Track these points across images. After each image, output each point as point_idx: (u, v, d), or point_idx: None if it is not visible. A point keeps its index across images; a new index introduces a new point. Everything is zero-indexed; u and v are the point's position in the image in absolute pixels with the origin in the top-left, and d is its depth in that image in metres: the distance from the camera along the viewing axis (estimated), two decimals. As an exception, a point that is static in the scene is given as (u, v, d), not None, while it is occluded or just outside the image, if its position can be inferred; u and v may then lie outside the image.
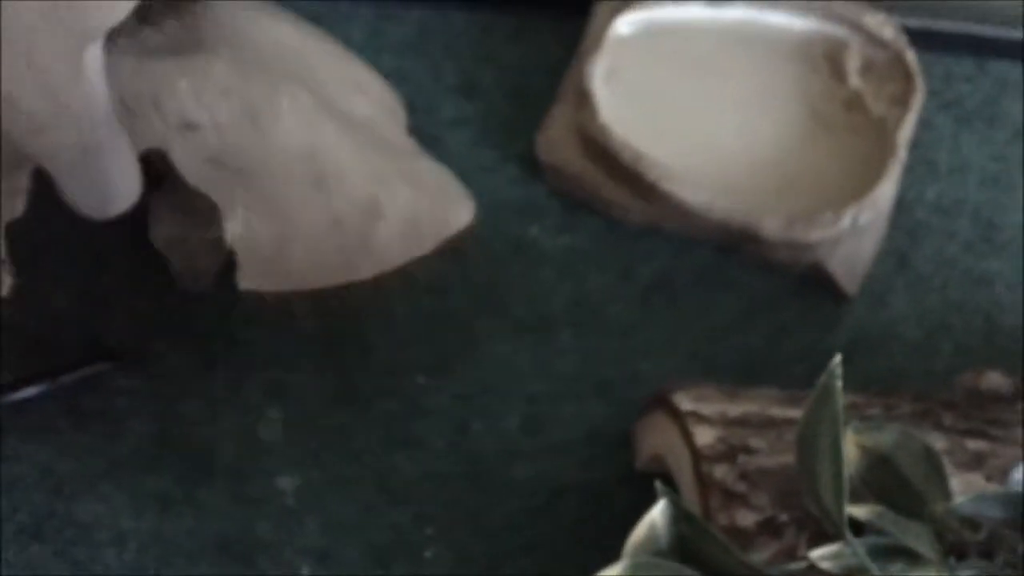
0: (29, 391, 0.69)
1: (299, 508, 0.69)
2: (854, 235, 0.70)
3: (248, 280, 0.63)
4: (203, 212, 0.70)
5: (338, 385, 0.73)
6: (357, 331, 0.74)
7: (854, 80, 0.76)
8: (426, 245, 0.67)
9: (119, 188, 0.61)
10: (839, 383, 0.46)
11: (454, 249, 0.77)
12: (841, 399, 0.46)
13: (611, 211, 0.76)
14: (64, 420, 0.70)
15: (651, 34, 0.76)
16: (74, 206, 0.61)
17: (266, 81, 0.64)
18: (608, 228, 0.77)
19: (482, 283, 0.76)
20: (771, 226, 0.69)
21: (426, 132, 0.81)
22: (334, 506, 0.69)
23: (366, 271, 0.66)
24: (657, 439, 0.62)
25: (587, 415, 0.72)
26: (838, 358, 0.47)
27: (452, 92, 0.83)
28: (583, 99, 0.73)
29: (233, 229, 0.63)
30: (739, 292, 0.75)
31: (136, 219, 0.73)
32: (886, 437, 0.48)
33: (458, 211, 0.69)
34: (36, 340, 0.72)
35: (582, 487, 0.70)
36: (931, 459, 0.48)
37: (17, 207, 0.61)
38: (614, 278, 0.76)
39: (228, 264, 0.72)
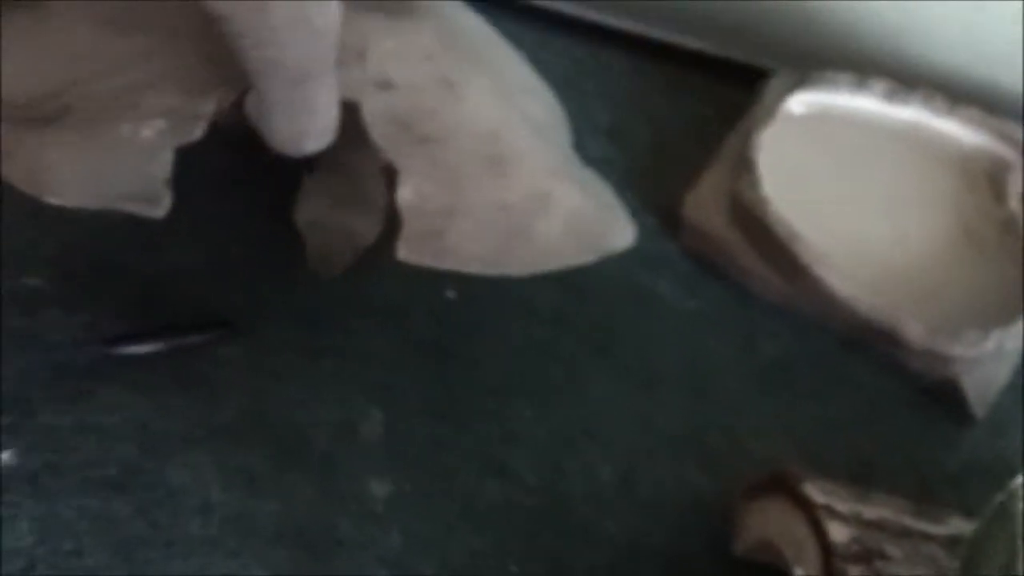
0: (140, 347, 0.69)
1: (385, 515, 0.67)
2: (995, 359, 0.69)
3: (407, 250, 0.60)
4: (352, 201, 0.70)
5: (442, 397, 0.71)
6: (470, 346, 0.73)
7: (1013, 203, 0.75)
8: (584, 254, 0.65)
9: (319, 123, 0.60)
10: (1021, 505, 0.44)
11: (575, 287, 0.77)
12: (1021, 522, 0.44)
13: (745, 282, 0.75)
14: (168, 379, 0.69)
15: (822, 118, 0.76)
16: (271, 138, 0.61)
17: (463, 58, 0.63)
18: (737, 298, 0.76)
19: (600, 325, 0.75)
20: (915, 332, 0.68)
21: (569, 166, 0.81)
22: (419, 520, 0.68)
23: (522, 266, 0.63)
24: (771, 525, 0.60)
25: (685, 481, 0.71)
26: (1020, 479, 0.46)
27: (600, 133, 0.83)
28: (744, 167, 0.72)
29: (404, 195, 0.61)
30: (860, 391, 0.73)
31: (282, 197, 0.74)
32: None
33: (621, 230, 0.67)
34: (154, 291, 0.72)
35: (671, 555, 0.68)
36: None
37: (195, 132, 0.61)
38: (734, 349, 0.75)
39: (360, 260, 0.72)
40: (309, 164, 0.73)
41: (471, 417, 0.71)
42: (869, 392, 0.73)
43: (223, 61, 0.58)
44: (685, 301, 0.76)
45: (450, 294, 0.75)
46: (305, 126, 0.60)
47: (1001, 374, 0.71)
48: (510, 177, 0.64)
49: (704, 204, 0.75)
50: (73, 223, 0.72)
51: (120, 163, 0.61)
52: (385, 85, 0.62)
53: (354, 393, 0.71)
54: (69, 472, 0.66)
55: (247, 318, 0.72)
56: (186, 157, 0.75)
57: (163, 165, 0.60)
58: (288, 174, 0.75)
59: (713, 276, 0.77)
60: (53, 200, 0.60)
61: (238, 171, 0.76)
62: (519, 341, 0.74)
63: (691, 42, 0.87)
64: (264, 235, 0.74)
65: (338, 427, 0.70)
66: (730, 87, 0.83)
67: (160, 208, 0.60)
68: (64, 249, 0.72)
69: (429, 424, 0.71)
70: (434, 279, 0.75)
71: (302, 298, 0.73)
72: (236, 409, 0.69)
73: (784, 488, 0.59)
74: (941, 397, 0.72)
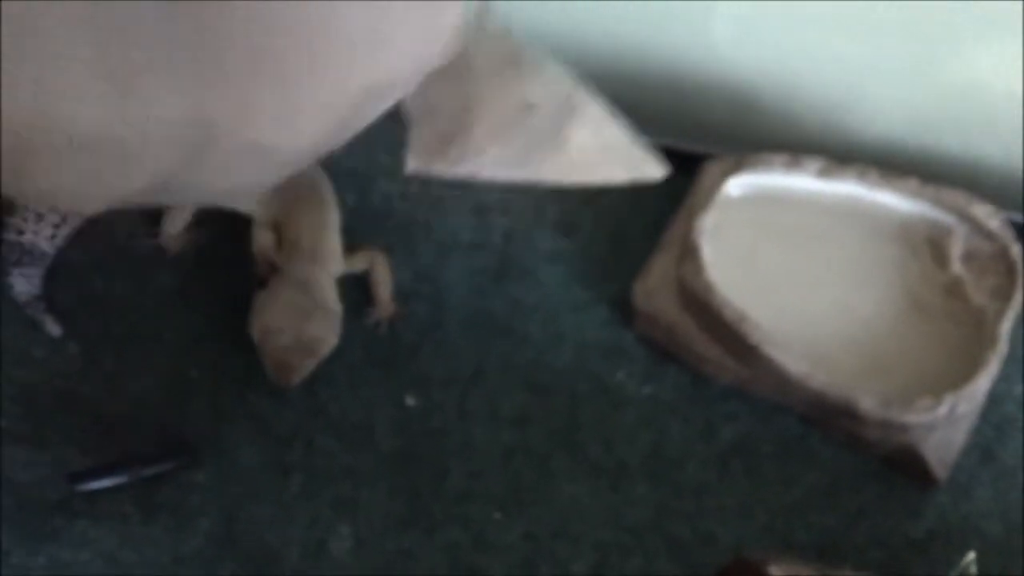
0: (105, 481, 0.69)
1: (357, 631, 0.67)
2: (950, 423, 0.69)
3: (418, 158, 0.56)
4: (306, 309, 0.71)
5: (409, 508, 0.72)
6: (435, 453, 0.74)
7: (956, 267, 0.76)
8: (620, 172, 0.61)
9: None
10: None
11: (536, 385, 0.77)
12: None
13: (700, 366, 0.76)
14: (135, 510, 0.70)
15: (759, 199, 0.78)
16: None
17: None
18: (694, 383, 0.77)
19: (562, 421, 0.76)
20: (868, 404, 0.69)
21: (521, 264, 0.82)
22: (392, 634, 0.68)
23: (556, 173, 0.59)
24: (740, 611, 0.60)
25: (655, 572, 0.71)
26: (972, 555, 0.46)
27: (551, 228, 0.84)
28: (688, 253, 0.74)
29: (413, 99, 0.56)
30: (822, 467, 0.74)
31: (234, 314, 0.75)
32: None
33: (651, 163, 0.61)
34: (115, 422, 0.72)
35: (646, 647, 0.69)
36: None
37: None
38: (695, 435, 0.76)
39: (317, 370, 0.73)
40: (261, 279, 0.75)
41: (440, 524, 0.72)
42: (830, 467, 0.74)
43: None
44: (643, 389, 0.77)
45: (410, 401, 0.76)
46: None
47: (958, 436, 0.71)
48: (531, 77, 0.58)
49: (653, 292, 0.76)
50: (30, 363, 0.73)
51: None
52: None
53: (322, 509, 0.71)
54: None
55: (210, 440, 0.72)
56: (135, 280, 0.77)
57: None
58: (239, 290, 0.77)
59: (669, 362, 0.78)
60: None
61: (188, 292, 0.78)
62: (484, 445, 0.75)
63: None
64: (220, 354, 0.75)
65: (307, 545, 0.70)
66: (674, 175, 0.85)
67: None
68: (24, 389, 0.73)
69: (398, 535, 0.71)
70: (393, 386, 0.77)
71: (265, 416, 0.74)
72: (204, 534, 0.70)
73: (750, 573, 0.60)
74: (902, 465, 0.72)
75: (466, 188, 0.84)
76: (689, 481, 0.74)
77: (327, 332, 0.72)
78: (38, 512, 0.69)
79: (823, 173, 0.77)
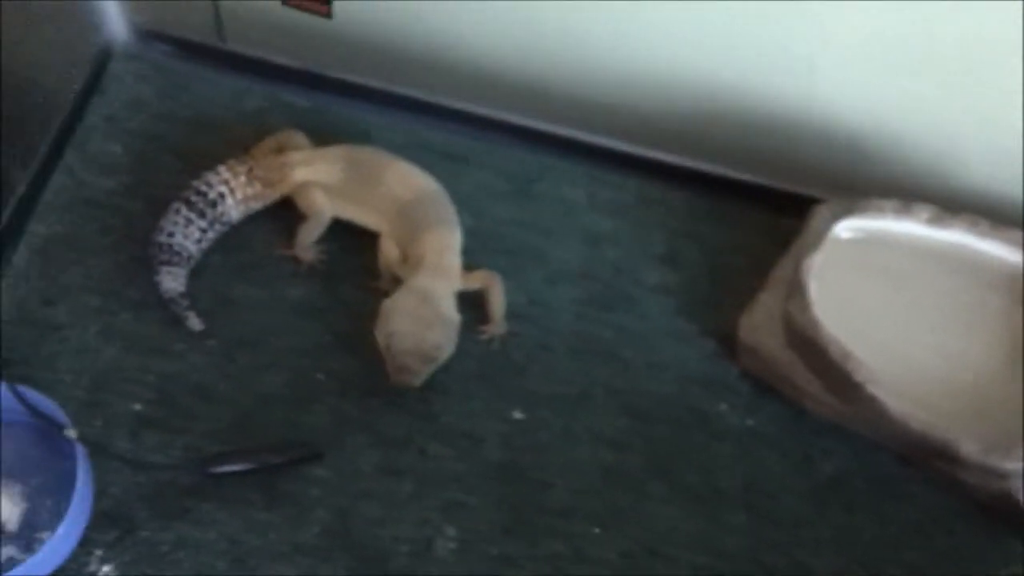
0: (233, 467, 0.74)
1: (458, 630, 0.71)
2: (1050, 472, 0.70)
3: None
4: (428, 319, 0.76)
5: (513, 517, 0.75)
6: (539, 467, 0.77)
7: (1060, 320, 0.77)
8: None
9: None
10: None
11: (638, 411, 0.80)
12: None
13: (801, 401, 0.78)
14: (258, 497, 0.74)
15: (868, 242, 0.80)
16: None
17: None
18: (794, 417, 0.79)
19: (662, 447, 0.79)
20: (969, 448, 0.70)
21: (627, 293, 0.86)
22: (491, 636, 0.71)
23: None
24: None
25: (749, 598, 0.73)
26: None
27: (658, 261, 0.87)
28: (796, 290, 0.76)
29: None
30: (918, 506, 0.75)
31: (359, 325, 0.80)
32: None
33: None
34: (245, 415, 0.77)
35: (736, 668, 0.70)
36: None
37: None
38: (793, 468, 0.78)
39: (430, 378, 0.77)
40: (385, 290, 0.80)
41: (542, 535, 0.75)
42: (927, 508, 0.75)
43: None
44: (743, 421, 0.79)
45: (518, 415, 0.79)
46: None
47: (1057, 487, 0.72)
48: None
49: (759, 327, 0.79)
50: (170, 355, 0.79)
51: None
52: None
53: (431, 512, 0.75)
54: (166, 587, 0.71)
55: (331, 439, 0.77)
56: (269, 287, 0.82)
57: None
58: (362, 304, 0.82)
59: (771, 397, 0.80)
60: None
61: (316, 301, 0.83)
62: (586, 464, 0.78)
63: (743, 174, 0.92)
64: (344, 362, 0.80)
65: (415, 544, 0.74)
66: (780, 215, 0.88)
67: None
68: (163, 378, 0.78)
69: (501, 542, 0.74)
70: (503, 401, 0.80)
71: (381, 421, 0.78)
72: (320, 525, 0.74)
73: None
74: (998, 511, 0.73)
75: (576, 216, 0.89)
76: (785, 513, 0.76)
77: (446, 340, 0.77)
78: (170, 492, 0.74)
79: (933, 221, 0.79)
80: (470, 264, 0.83)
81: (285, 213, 0.84)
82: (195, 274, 0.82)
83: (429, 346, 0.75)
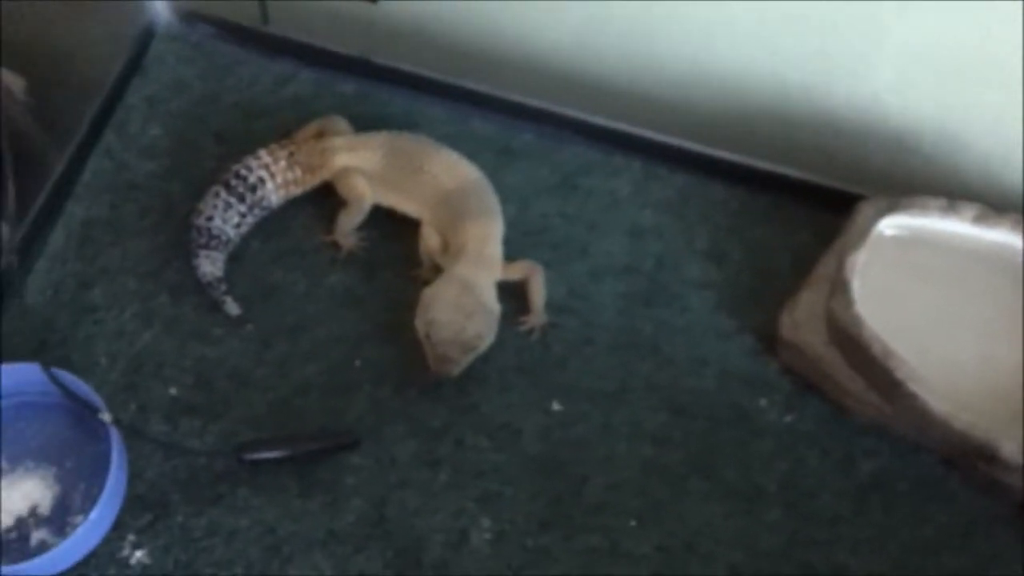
0: (270, 453, 0.73)
1: (494, 623, 0.70)
2: (1093, 475, 0.69)
3: None
4: (468, 308, 0.75)
5: (550, 509, 0.75)
6: (577, 461, 0.76)
7: (1108, 323, 0.76)
8: None
9: None
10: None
11: (678, 406, 0.80)
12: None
13: (842, 400, 0.77)
14: (294, 484, 0.74)
15: (912, 240, 0.79)
16: None
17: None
18: (835, 415, 0.78)
19: (701, 443, 0.78)
20: (1010, 449, 0.69)
21: (670, 289, 0.85)
22: (527, 629, 0.70)
23: None
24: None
25: (787, 596, 0.72)
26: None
27: (701, 256, 0.87)
28: (839, 288, 0.75)
29: None
30: (958, 508, 0.74)
31: (398, 315, 0.79)
32: None
33: None
34: (282, 402, 0.77)
35: (773, 668, 0.70)
36: None
37: None
38: (833, 467, 0.77)
39: (469, 369, 0.77)
40: (425, 279, 0.79)
41: (579, 529, 0.74)
42: (966, 510, 0.74)
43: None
44: (784, 418, 0.79)
45: (556, 407, 0.79)
46: None
47: (1100, 490, 0.71)
48: None
49: (801, 324, 0.78)
50: (208, 340, 0.79)
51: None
52: None
53: (467, 502, 0.74)
54: (199, 573, 0.70)
55: (369, 429, 0.76)
56: (308, 274, 0.82)
57: None
58: (401, 293, 0.81)
59: (812, 395, 0.79)
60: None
61: (355, 289, 0.83)
62: (625, 458, 0.77)
63: (787, 170, 0.91)
64: (382, 351, 0.79)
65: (451, 534, 0.73)
66: (823, 212, 0.87)
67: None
68: (200, 363, 0.78)
69: (538, 534, 0.74)
70: (541, 392, 0.80)
71: (419, 410, 0.78)
72: (356, 514, 0.73)
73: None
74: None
75: (621, 210, 0.88)
76: (824, 511, 0.75)
77: (486, 330, 0.76)
78: (204, 478, 0.74)
79: (979, 220, 0.78)
80: (513, 256, 0.82)
81: (325, 199, 0.84)
82: (234, 259, 0.81)
83: (469, 335, 0.75)
